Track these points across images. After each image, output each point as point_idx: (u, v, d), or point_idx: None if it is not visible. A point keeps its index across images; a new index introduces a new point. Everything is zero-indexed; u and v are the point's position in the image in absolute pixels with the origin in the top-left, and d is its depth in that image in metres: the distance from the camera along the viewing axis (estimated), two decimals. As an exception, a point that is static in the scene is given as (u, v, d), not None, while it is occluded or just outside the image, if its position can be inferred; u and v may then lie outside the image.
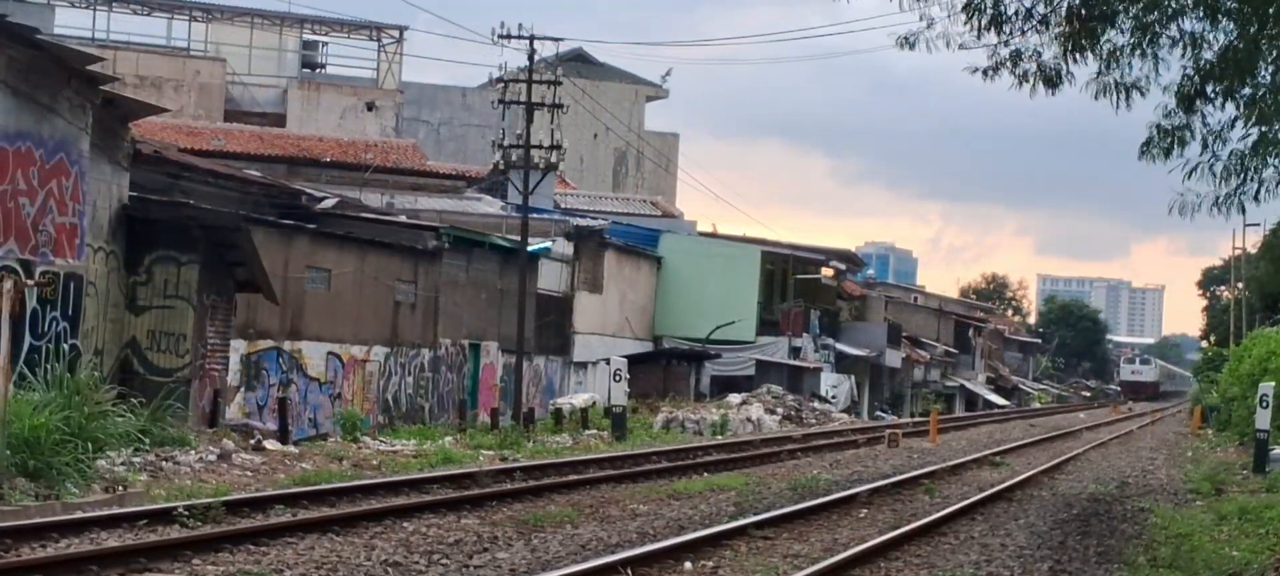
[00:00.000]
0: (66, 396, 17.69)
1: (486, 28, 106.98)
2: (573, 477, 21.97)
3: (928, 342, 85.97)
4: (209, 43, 60.48)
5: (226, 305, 25.51)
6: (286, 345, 30.38)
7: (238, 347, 27.91)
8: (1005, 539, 16.99)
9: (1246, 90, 18.41)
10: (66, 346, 20.95)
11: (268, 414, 28.35)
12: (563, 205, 53.81)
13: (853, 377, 64.23)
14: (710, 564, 13.86)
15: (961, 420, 59.92)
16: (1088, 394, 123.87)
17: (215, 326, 25.03)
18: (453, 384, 37.50)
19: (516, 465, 23.28)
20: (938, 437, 40.29)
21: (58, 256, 20.93)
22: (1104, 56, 18.24)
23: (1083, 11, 17.78)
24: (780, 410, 46.13)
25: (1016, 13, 18.05)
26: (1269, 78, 18.29)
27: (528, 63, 39.54)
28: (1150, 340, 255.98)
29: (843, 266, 72.72)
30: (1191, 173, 18.75)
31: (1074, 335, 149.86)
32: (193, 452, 20.19)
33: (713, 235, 61.96)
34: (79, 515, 14.44)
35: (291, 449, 23.35)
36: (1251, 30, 17.44)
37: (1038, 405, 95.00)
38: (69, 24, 56.52)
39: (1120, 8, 17.81)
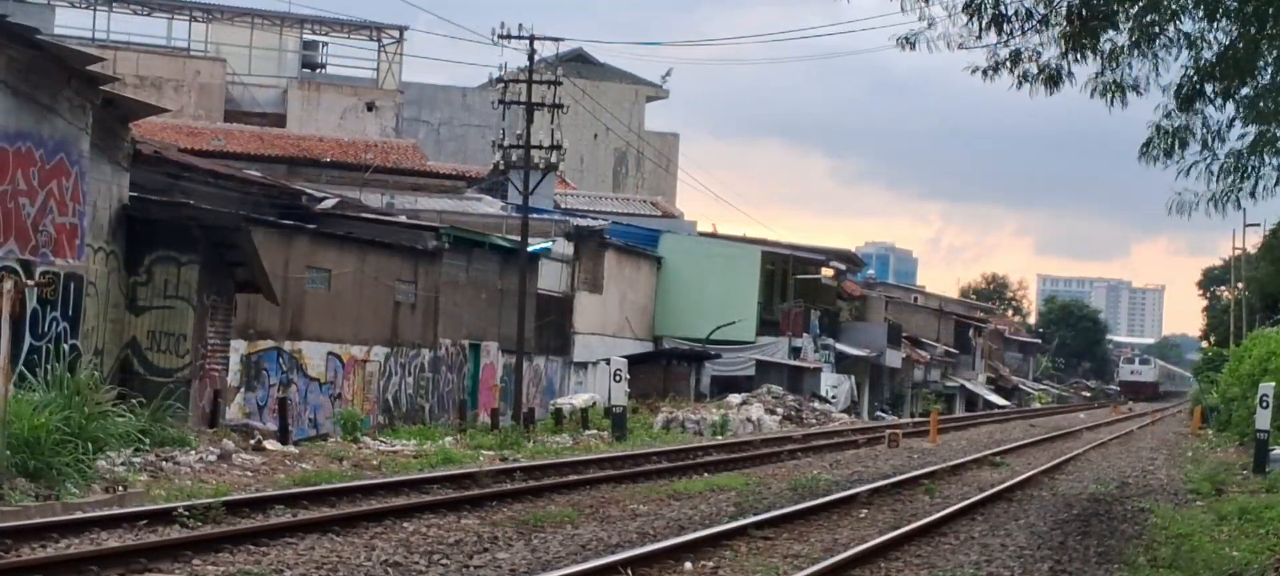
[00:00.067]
0: (67, 397, 17.69)
1: (486, 28, 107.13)
2: (573, 478, 21.96)
3: (928, 343, 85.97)
4: (209, 43, 60.47)
5: (226, 305, 25.50)
6: (286, 345, 30.38)
7: (238, 348, 27.91)
8: (1005, 539, 16.99)
9: (1245, 90, 18.43)
10: (67, 347, 20.95)
11: (268, 414, 28.35)
12: (563, 205, 53.81)
13: (853, 378, 64.22)
14: (710, 564, 13.86)
15: (962, 420, 59.91)
16: (1088, 394, 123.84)
17: (215, 326, 25.03)
18: (453, 384, 37.50)
19: (517, 465, 23.27)
20: (938, 438, 40.28)
21: (58, 256, 20.93)
22: (1104, 56, 18.25)
23: (1083, 11, 17.78)
24: (780, 410, 46.12)
25: (1016, 13, 18.06)
26: (1269, 78, 18.31)
27: (528, 63, 39.55)
28: (1150, 340, 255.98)
29: (843, 266, 72.71)
30: (1188, 171, 18.80)
31: (1074, 335, 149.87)
32: (193, 453, 20.19)
33: (713, 235, 61.95)
34: (79, 515, 14.44)
35: (291, 449, 23.35)
36: (1251, 30, 17.45)
37: (1038, 405, 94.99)
38: (69, 24, 56.54)
39: (1120, 8, 17.81)
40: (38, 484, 15.69)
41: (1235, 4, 17.59)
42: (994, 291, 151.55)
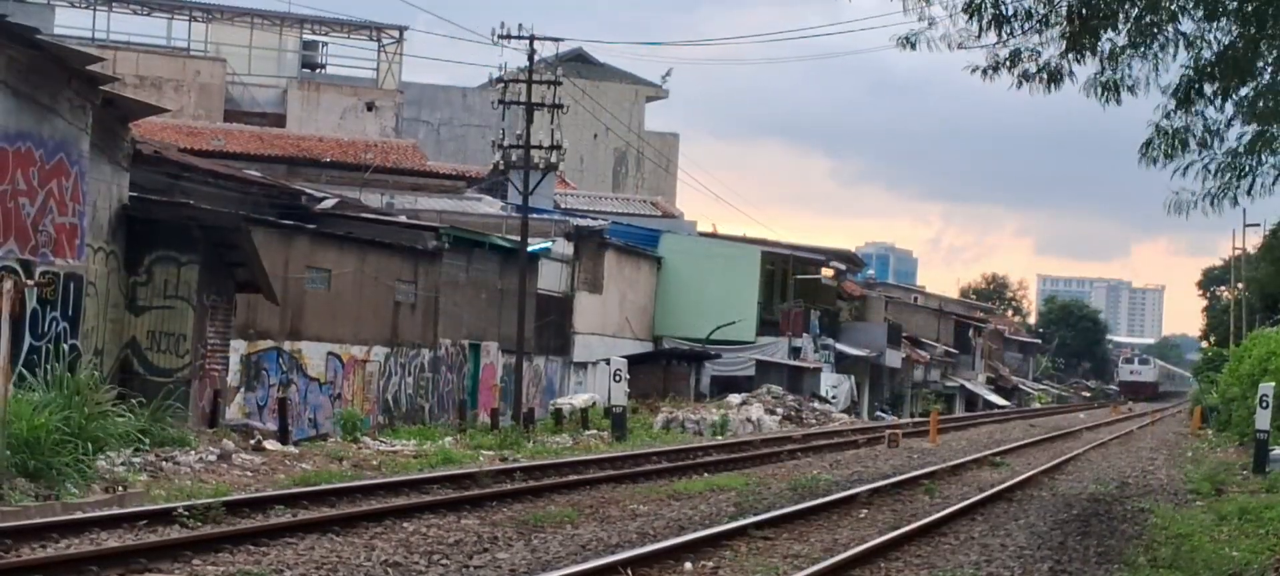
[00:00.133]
0: (66, 397, 17.69)
1: (486, 28, 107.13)
2: (573, 478, 21.96)
3: (928, 343, 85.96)
4: (209, 43, 60.47)
5: (226, 305, 25.50)
6: (286, 345, 30.38)
7: (238, 348, 27.91)
8: (1005, 539, 16.99)
9: (1244, 90, 18.44)
10: (66, 347, 20.95)
11: (268, 414, 28.34)
12: (563, 205, 53.81)
13: (853, 378, 64.23)
14: (710, 564, 13.86)
15: (961, 420, 59.91)
16: (1088, 394, 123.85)
17: (215, 326, 25.02)
18: (453, 384, 37.50)
19: (516, 465, 23.27)
20: (938, 438, 40.28)
21: (58, 256, 20.93)
22: (1104, 57, 18.26)
23: (1083, 11, 17.78)
24: (780, 410, 46.12)
25: (1016, 13, 18.06)
26: (1269, 78, 18.32)
27: (528, 63, 39.55)
28: (1150, 340, 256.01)
29: (843, 267, 72.71)
30: (1186, 171, 18.82)
31: (1074, 335, 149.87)
32: (193, 453, 20.18)
33: (713, 235, 61.95)
34: (79, 515, 14.44)
35: (291, 449, 23.35)
36: (1251, 30, 17.46)
37: (1038, 405, 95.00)
38: (69, 24, 56.55)
39: (1120, 8, 17.81)
40: (38, 484, 15.69)
41: (1235, 4, 17.59)
42: (994, 291, 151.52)
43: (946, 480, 25.57)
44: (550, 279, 44.85)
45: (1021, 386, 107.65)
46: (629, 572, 12.72)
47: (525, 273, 38.73)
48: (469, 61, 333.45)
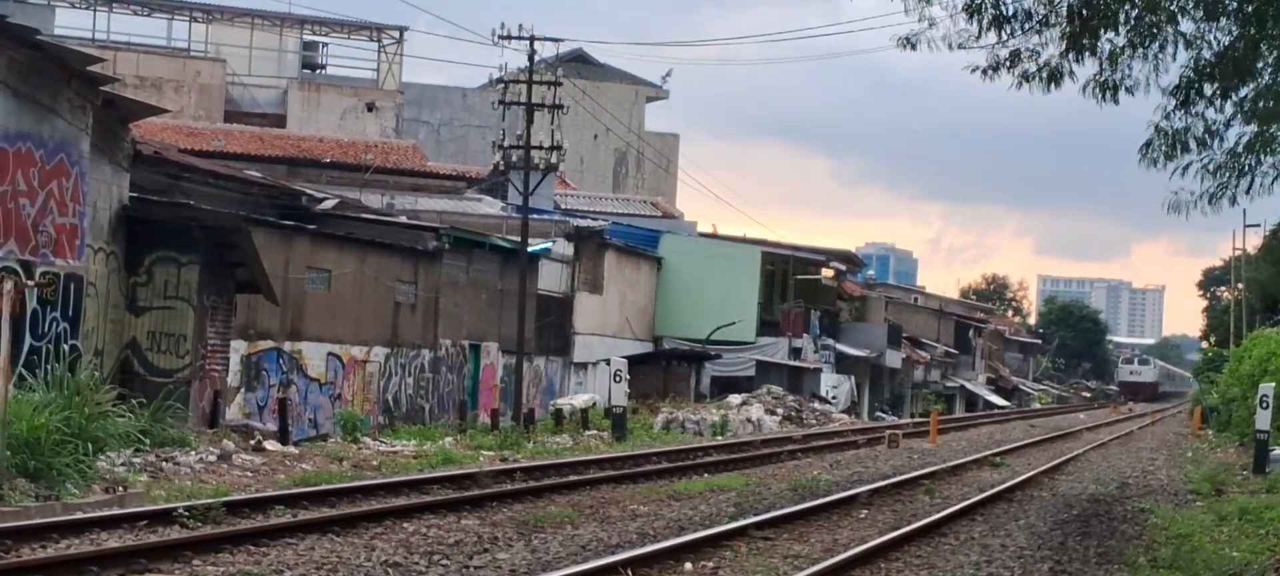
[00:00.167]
0: (67, 397, 17.68)
1: (487, 28, 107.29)
2: (573, 478, 21.96)
3: (928, 343, 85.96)
4: (209, 43, 60.45)
5: (227, 306, 25.50)
6: (287, 346, 30.37)
7: (238, 348, 27.91)
8: (1005, 539, 17.00)
9: (1244, 90, 18.46)
10: (67, 347, 20.95)
11: (268, 414, 28.34)
12: (563, 206, 53.82)
13: (853, 378, 64.23)
14: (710, 564, 13.86)
15: (962, 421, 59.91)
16: (1088, 394, 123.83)
17: (215, 327, 25.02)
18: (453, 384, 37.49)
19: (517, 466, 23.27)
20: (938, 438, 40.28)
21: (58, 257, 20.93)
22: (1104, 57, 18.26)
23: (1083, 12, 17.79)
24: (780, 411, 46.11)
25: (1016, 14, 18.07)
26: (1269, 78, 18.32)
27: (528, 63, 39.55)
28: (1151, 341, 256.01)
29: (843, 267, 72.70)
30: (1185, 171, 18.84)
31: (1074, 336, 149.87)
32: (193, 453, 20.19)
33: (713, 236, 61.95)
34: (79, 516, 14.45)
35: (292, 449, 23.35)
36: (1251, 30, 17.47)
37: (1038, 406, 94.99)
38: (69, 25, 56.53)
39: (1120, 8, 17.82)
40: (38, 484, 15.69)
41: (1235, 4, 17.60)
42: (994, 292, 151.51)
43: (947, 480, 25.57)
44: (550, 279, 44.85)
45: (1021, 387, 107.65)
46: (629, 573, 12.72)
47: (525, 273, 38.73)
48: (469, 62, 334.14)
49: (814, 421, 46.78)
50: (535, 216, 41.96)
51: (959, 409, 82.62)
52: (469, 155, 60.86)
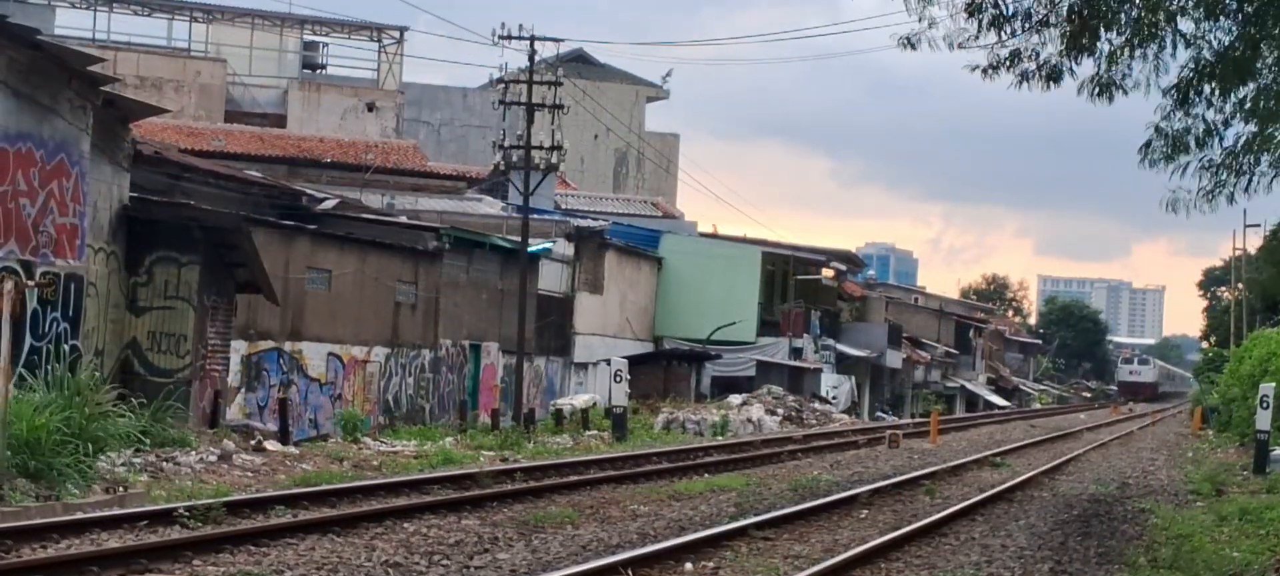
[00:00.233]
0: (67, 397, 17.68)
1: (487, 28, 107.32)
2: (573, 478, 21.96)
3: (928, 343, 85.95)
4: (209, 43, 60.46)
5: (227, 306, 25.50)
6: (287, 346, 30.38)
7: (238, 348, 27.91)
8: (1006, 539, 17.00)
9: (1244, 90, 18.45)
10: (67, 347, 20.95)
11: (268, 414, 28.34)
12: (563, 206, 53.83)
13: (853, 378, 64.22)
14: (711, 564, 13.86)
15: (962, 421, 59.90)
16: (1088, 395, 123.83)
17: (216, 327, 25.02)
18: (453, 384, 37.49)
19: (517, 466, 23.27)
20: (938, 438, 40.28)
21: (58, 257, 20.93)
22: (1104, 57, 18.26)
23: (1083, 12, 17.78)
24: (781, 411, 46.10)
25: (1016, 13, 18.07)
26: (1270, 78, 18.32)
27: (528, 63, 39.55)
28: (1151, 341, 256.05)
29: (843, 267, 72.70)
30: (1183, 170, 18.86)
31: (1074, 336, 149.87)
32: (193, 453, 20.19)
33: (713, 236, 61.96)
34: (80, 516, 14.45)
35: (292, 449, 23.35)
36: (1251, 30, 17.46)
37: (1038, 406, 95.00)
38: (69, 25, 56.54)
39: (1120, 8, 17.82)
40: (38, 484, 15.70)
41: (1235, 3, 17.60)
42: (994, 292, 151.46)
43: (947, 480, 25.57)
44: (551, 279, 44.85)
45: (1022, 387, 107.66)
46: (629, 573, 12.73)
47: (526, 273, 38.73)
48: (469, 62, 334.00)
49: (814, 421, 46.77)
50: (535, 216, 41.96)
51: (959, 409, 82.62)
52: (469, 155, 60.87)
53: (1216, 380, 56.39)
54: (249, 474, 20.04)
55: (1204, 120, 18.82)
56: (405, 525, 15.68)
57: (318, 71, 63.14)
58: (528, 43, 39.25)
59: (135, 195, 24.44)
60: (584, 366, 47.35)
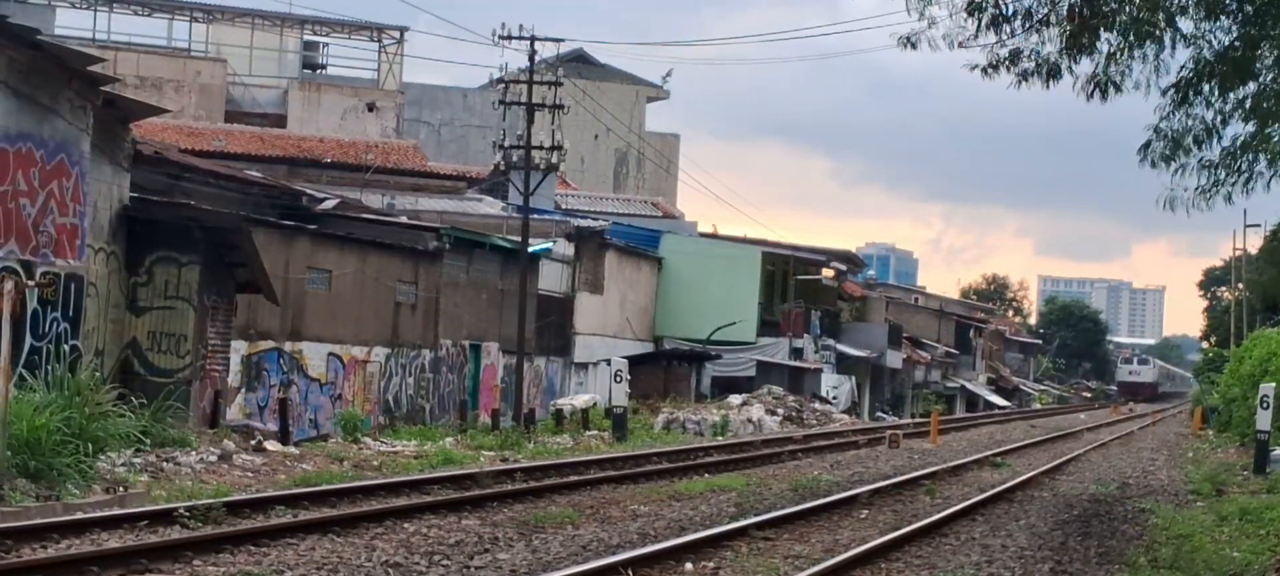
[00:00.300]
0: (67, 397, 17.68)
1: (487, 29, 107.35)
2: (573, 478, 21.96)
3: (928, 343, 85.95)
4: (210, 43, 60.47)
5: (227, 306, 25.50)
6: (287, 346, 30.37)
7: (238, 348, 27.91)
8: (1006, 539, 17.00)
9: (1243, 90, 18.45)
10: (67, 347, 20.95)
11: (268, 415, 28.34)
12: (563, 206, 53.82)
13: (853, 378, 64.21)
14: (711, 564, 13.86)
15: (962, 421, 59.91)
16: (1088, 395, 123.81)
17: (216, 327, 25.02)
18: (453, 385, 37.49)
19: (517, 466, 23.27)
20: (938, 438, 40.28)
21: (58, 257, 20.93)
22: (1103, 57, 18.26)
23: (1083, 12, 17.78)
24: (781, 411, 46.10)
25: (1016, 13, 18.07)
26: (1270, 78, 18.32)
27: (528, 63, 39.55)
28: (1151, 341, 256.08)
29: (843, 267, 72.69)
30: (1181, 169, 18.85)
31: (1074, 336, 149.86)
32: (193, 453, 20.19)
33: (713, 236, 61.95)
34: (80, 516, 14.45)
35: (292, 450, 23.35)
36: (1251, 30, 17.46)
37: (1038, 406, 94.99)
38: (69, 25, 56.56)
39: (1120, 8, 17.81)
40: (38, 484, 15.69)
41: (1235, 3, 17.60)
42: (994, 292, 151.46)
43: (947, 481, 25.57)
44: (551, 279, 44.85)
45: (1022, 387, 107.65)
46: (630, 573, 12.72)
47: (526, 273, 38.73)
48: (470, 62, 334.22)
49: (814, 421, 46.77)
50: (536, 216, 41.96)
51: (959, 409, 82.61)
52: (469, 155, 60.87)
53: (1217, 380, 56.40)
54: (249, 474, 20.04)
55: (1203, 120, 18.83)
56: (405, 525, 15.68)
57: (318, 71, 63.15)
58: (528, 43, 39.27)
59: (135, 195, 24.44)
60: (584, 366, 47.35)
